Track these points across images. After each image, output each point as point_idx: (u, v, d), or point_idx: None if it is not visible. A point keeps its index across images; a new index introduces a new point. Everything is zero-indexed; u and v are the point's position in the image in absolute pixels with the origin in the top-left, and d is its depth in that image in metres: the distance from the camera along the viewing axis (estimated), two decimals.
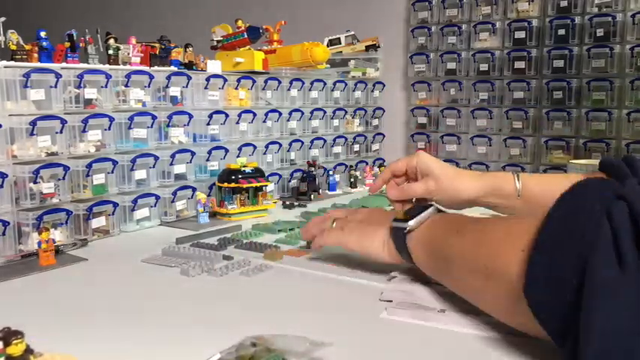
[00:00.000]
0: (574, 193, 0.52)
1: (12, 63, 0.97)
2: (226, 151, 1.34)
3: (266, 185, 1.28)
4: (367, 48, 1.92)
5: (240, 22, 1.46)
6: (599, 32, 1.68)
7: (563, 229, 0.50)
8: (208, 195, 1.28)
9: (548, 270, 0.49)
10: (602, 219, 0.47)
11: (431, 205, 0.78)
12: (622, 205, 0.47)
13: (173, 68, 1.24)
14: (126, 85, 1.13)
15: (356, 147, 1.82)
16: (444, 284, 0.70)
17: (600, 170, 0.88)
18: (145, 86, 1.17)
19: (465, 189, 0.93)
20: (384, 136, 1.94)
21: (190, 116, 1.25)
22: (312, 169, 1.51)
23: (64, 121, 1.02)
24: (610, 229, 0.46)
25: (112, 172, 1.10)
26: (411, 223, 0.74)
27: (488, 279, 0.58)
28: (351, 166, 1.70)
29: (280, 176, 1.52)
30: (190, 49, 1.30)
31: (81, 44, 1.08)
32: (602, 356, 0.43)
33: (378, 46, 1.93)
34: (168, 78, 1.21)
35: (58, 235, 1.00)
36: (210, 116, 1.30)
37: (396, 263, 0.78)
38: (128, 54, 1.16)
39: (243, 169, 1.25)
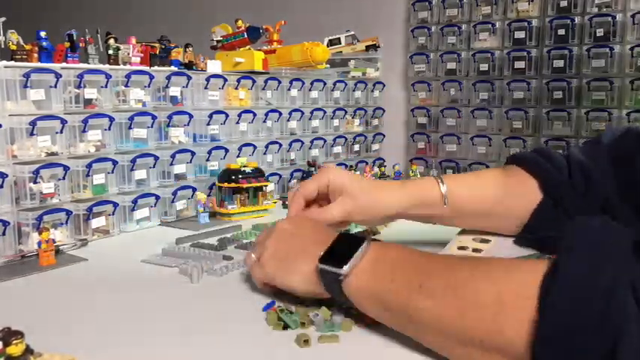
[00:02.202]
0: (580, 250, 0.47)
1: (12, 63, 0.97)
2: (226, 151, 1.34)
3: (266, 185, 1.28)
4: (367, 48, 1.92)
5: (240, 22, 1.46)
6: (599, 32, 1.68)
7: (574, 312, 0.44)
8: (208, 195, 1.28)
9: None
10: (627, 296, 0.42)
11: (362, 238, 0.64)
12: None
13: (173, 68, 1.24)
14: (126, 85, 1.13)
15: (356, 147, 1.82)
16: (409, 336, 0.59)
17: (511, 164, 0.91)
18: (145, 86, 1.17)
19: (387, 204, 0.84)
20: (384, 136, 1.94)
21: (190, 116, 1.25)
22: (312, 169, 1.51)
23: (64, 121, 1.02)
24: (637, 307, 0.41)
25: (112, 172, 1.10)
26: (346, 268, 0.60)
27: (485, 352, 0.50)
28: (351, 166, 1.70)
29: (280, 176, 1.52)
30: (190, 49, 1.31)
31: (81, 44, 1.08)
32: None
33: (378, 46, 1.92)
34: (168, 78, 1.21)
35: (58, 235, 1.00)
36: (210, 116, 1.30)
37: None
38: (128, 54, 1.16)
39: (243, 169, 1.25)
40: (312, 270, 0.65)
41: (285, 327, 0.64)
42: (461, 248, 0.93)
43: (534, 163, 0.87)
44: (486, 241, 0.94)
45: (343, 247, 0.64)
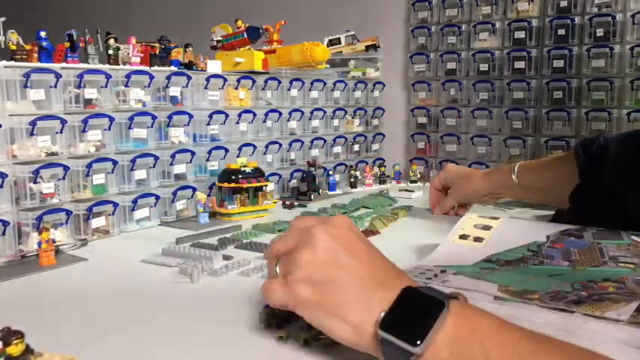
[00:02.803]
0: None
1: (12, 63, 0.97)
2: (226, 151, 1.34)
3: (266, 185, 1.28)
4: (367, 48, 1.92)
5: (240, 22, 1.46)
6: (599, 32, 1.67)
7: None
8: (208, 195, 1.28)
9: None
10: None
11: (438, 300, 0.48)
12: None
13: (173, 68, 1.24)
14: (126, 85, 1.13)
15: (356, 147, 1.82)
16: None
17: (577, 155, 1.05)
18: (145, 86, 1.17)
19: (477, 188, 1.19)
20: (384, 136, 1.94)
21: (190, 116, 1.25)
22: (312, 169, 1.51)
23: (64, 121, 1.02)
24: None
25: (112, 172, 1.10)
26: (421, 346, 0.46)
27: None
28: (351, 166, 1.70)
29: (280, 176, 1.52)
30: (190, 49, 1.31)
31: (81, 44, 1.08)
32: None
33: (378, 46, 1.92)
34: (168, 78, 1.21)
35: (58, 235, 1.00)
36: (210, 116, 1.30)
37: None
38: (128, 54, 1.16)
39: (243, 169, 1.25)
40: (365, 324, 0.50)
41: (280, 326, 0.63)
42: (462, 237, 0.93)
43: (582, 162, 1.02)
44: (488, 228, 0.95)
45: (413, 307, 0.49)
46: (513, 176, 1.14)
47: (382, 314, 0.49)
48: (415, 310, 0.48)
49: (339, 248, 0.54)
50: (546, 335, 0.47)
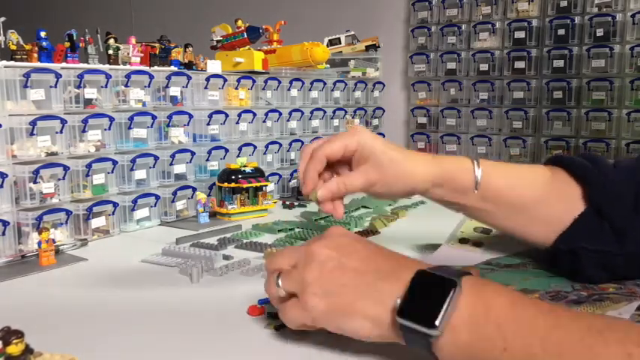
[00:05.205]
0: None
1: (12, 63, 0.97)
2: (226, 151, 1.34)
3: (266, 185, 1.28)
4: (367, 48, 1.92)
5: (240, 22, 1.46)
6: (599, 32, 1.68)
7: None
8: (208, 195, 1.28)
9: None
10: None
11: (449, 280, 0.48)
12: None
13: (173, 68, 1.24)
14: (126, 85, 1.13)
15: None
16: None
17: (554, 164, 0.79)
18: (145, 86, 1.17)
19: (416, 177, 0.72)
20: (384, 136, 1.94)
21: (190, 116, 1.25)
22: None
23: (64, 121, 1.02)
24: None
25: (112, 172, 1.10)
26: (439, 327, 0.46)
27: None
28: None
29: (280, 176, 1.52)
30: (190, 49, 1.31)
31: (81, 44, 1.08)
32: None
33: (378, 46, 1.93)
34: (169, 78, 1.21)
35: (58, 235, 1.00)
36: (210, 116, 1.30)
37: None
38: (128, 54, 1.16)
39: (243, 169, 1.25)
40: (381, 314, 0.51)
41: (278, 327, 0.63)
42: (462, 241, 0.93)
43: (581, 167, 0.76)
44: (488, 232, 0.95)
45: (426, 290, 0.49)
46: (476, 170, 0.73)
47: (398, 301, 0.49)
48: (429, 293, 0.48)
49: (340, 255, 0.55)
50: (562, 307, 0.47)
